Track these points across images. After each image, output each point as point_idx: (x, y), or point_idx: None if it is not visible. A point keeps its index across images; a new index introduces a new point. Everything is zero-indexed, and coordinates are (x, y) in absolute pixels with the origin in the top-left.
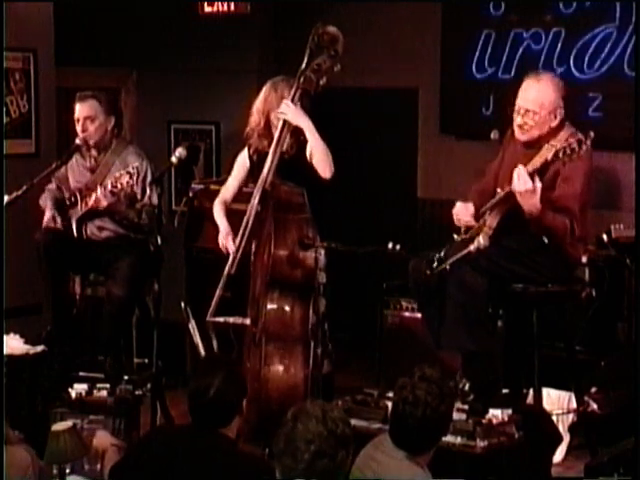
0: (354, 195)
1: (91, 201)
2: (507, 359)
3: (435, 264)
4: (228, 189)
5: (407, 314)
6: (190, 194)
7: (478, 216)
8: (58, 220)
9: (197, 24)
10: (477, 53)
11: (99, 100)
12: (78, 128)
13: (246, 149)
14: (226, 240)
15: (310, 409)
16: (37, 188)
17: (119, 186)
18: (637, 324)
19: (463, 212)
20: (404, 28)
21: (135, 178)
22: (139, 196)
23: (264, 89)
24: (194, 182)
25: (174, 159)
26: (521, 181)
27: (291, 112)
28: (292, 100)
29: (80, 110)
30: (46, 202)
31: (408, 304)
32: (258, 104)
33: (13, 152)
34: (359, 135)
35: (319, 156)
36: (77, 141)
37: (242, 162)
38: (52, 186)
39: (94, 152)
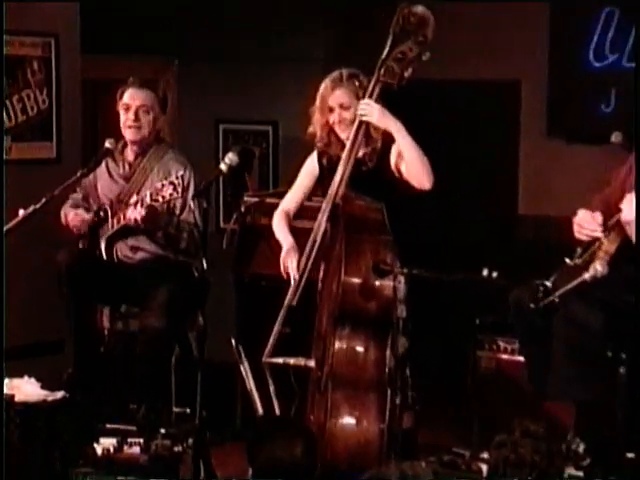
0: (441, 212)
1: (124, 216)
2: (631, 414)
3: (541, 295)
4: (291, 200)
5: (505, 357)
6: (242, 209)
7: (607, 228)
8: (86, 216)
9: (250, 4)
10: (595, 37)
11: (155, 91)
12: (127, 117)
13: (315, 152)
14: (289, 259)
15: (387, 473)
16: (59, 200)
17: (160, 199)
18: None
19: (588, 221)
20: (502, 7)
21: (180, 189)
22: (180, 211)
23: (324, 83)
24: (247, 194)
25: (223, 166)
26: (630, 210)
27: (375, 113)
28: (370, 96)
29: (134, 96)
30: (68, 208)
31: (507, 344)
32: (318, 102)
33: (30, 157)
34: (447, 138)
35: (415, 164)
36: (107, 144)
37: (310, 168)
38: (77, 195)
39: (129, 156)
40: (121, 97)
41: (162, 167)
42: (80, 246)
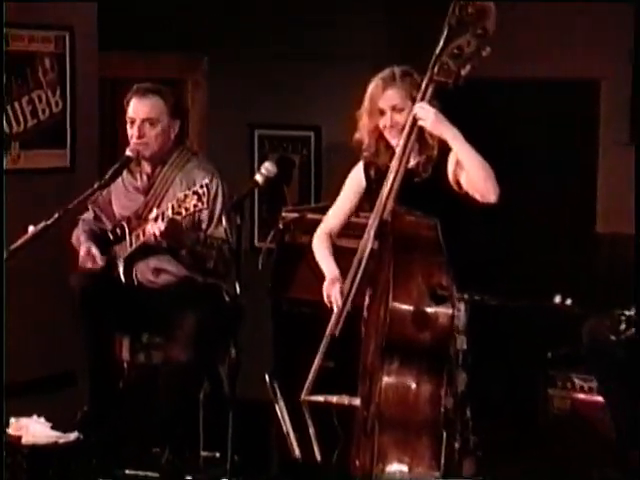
0: (505, 229)
1: (144, 233)
2: None
3: (623, 326)
4: (335, 217)
5: (581, 396)
6: (280, 225)
7: None
8: (98, 257)
9: None
10: None
11: (163, 97)
12: (132, 132)
13: (362, 162)
14: (333, 289)
15: None
16: (73, 215)
17: (183, 212)
18: None
19: None
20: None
21: (205, 200)
22: (207, 225)
23: (373, 82)
24: (285, 209)
25: (259, 178)
26: None
27: (430, 117)
28: (423, 98)
29: (137, 108)
30: (80, 237)
31: (583, 382)
32: (366, 104)
33: (40, 166)
34: (513, 145)
35: (477, 173)
36: (128, 152)
37: (356, 180)
38: (88, 215)
39: (147, 167)
40: (126, 108)
41: (185, 176)
42: (90, 265)
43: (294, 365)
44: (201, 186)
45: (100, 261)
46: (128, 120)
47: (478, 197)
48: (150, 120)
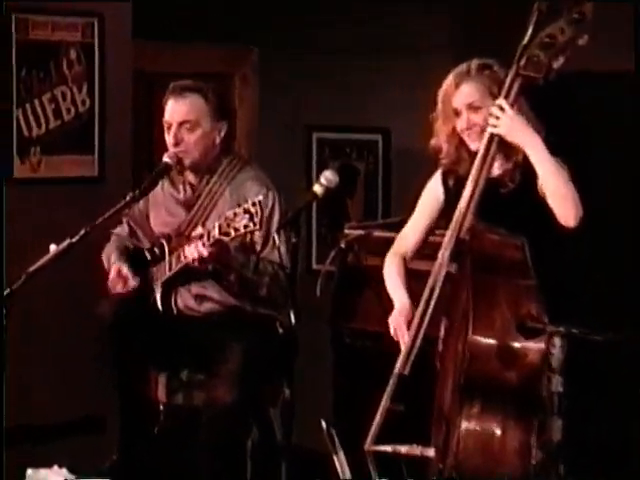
0: (604, 249)
1: (186, 254)
2: None
3: None
4: (410, 236)
5: None
6: (342, 245)
7: None
8: (130, 279)
9: None
10: None
11: (205, 95)
12: (169, 139)
13: (439, 172)
14: (401, 320)
15: None
16: (101, 232)
17: (232, 232)
18: None
19: None
20: None
21: (258, 220)
22: (260, 247)
23: (448, 79)
24: (348, 226)
25: (318, 189)
26: None
27: (505, 121)
28: (507, 96)
29: (173, 110)
30: (111, 255)
31: None
32: (440, 103)
33: (64, 175)
34: (611, 150)
35: (556, 192)
36: (166, 158)
37: (434, 192)
38: (122, 230)
39: (191, 177)
40: (161, 110)
41: (236, 190)
42: (122, 289)
43: (357, 408)
44: (253, 203)
45: (133, 284)
46: (165, 125)
47: (559, 217)
48: (188, 123)
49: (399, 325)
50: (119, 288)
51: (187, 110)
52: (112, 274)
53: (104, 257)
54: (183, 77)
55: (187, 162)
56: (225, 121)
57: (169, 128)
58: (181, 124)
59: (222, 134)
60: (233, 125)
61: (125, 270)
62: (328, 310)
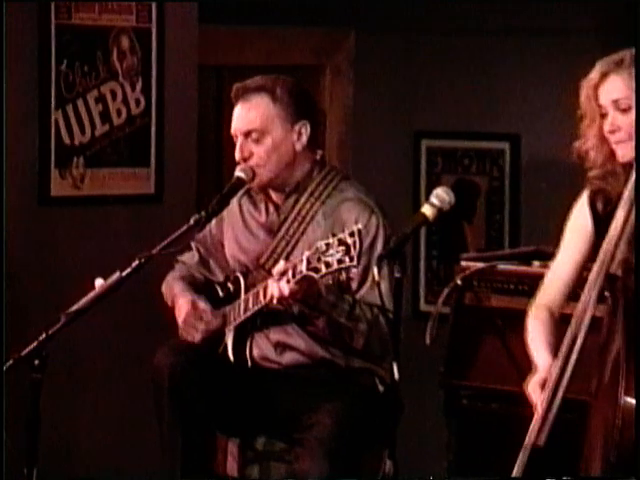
0: None
1: (265, 292)
2: None
3: None
4: (555, 281)
5: None
6: (458, 281)
7: None
8: (209, 313)
9: None
10: None
11: (271, 92)
12: (236, 154)
13: (585, 193)
14: (539, 387)
15: None
16: (160, 264)
17: (323, 269)
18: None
19: None
20: None
21: (356, 254)
22: (357, 285)
23: (594, 69)
24: (466, 257)
25: (428, 210)
26: None
27: None
28: None
29: (236, 119)
30: (173, 286)
31: None
32: (583, 99)
33: (113, 192)
34: None
35: None
36: (239, 172)
37: (581, 219)
38: (190, 257)
39: (275, 195)
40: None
41: (330, 212)
42: (199, 333)
43: None
44: (351, 233)
45: (215, 323)
46: (232, 135)
47: None
48: (254, 133)
49: (534, 390)
50: (197, 328)
51: (250, 117)
52: (184, 310)
53: (165, 290)
54: (260, 71)
55: (263, 179)
56: (306, 120)
57: (235, 138)
58: (246, 135)
59: (304, 138)
60: (322, 130)
61: (202, 304)
62: (440, 363)
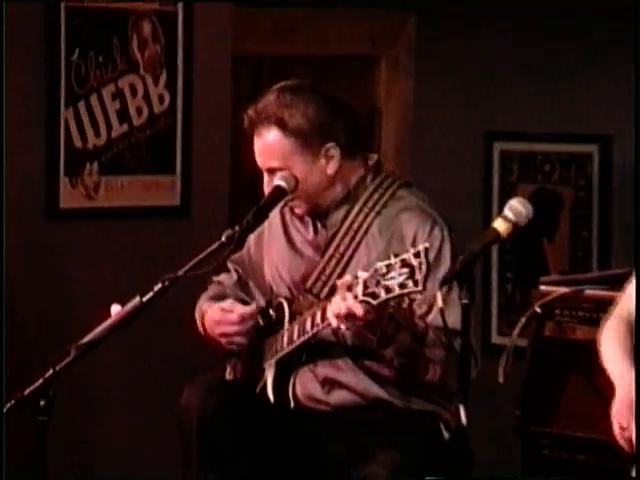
0: None
1: (313, 321)
2: None
3: None
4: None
5: None
6: (537, 308)
7: None
8: (238, 310)
9: None
10: None
11: (282, 126)
12: (265, 188)
13: None
14: (627, 416)
15: None
16: (184, 288)
17: (382, 294)
18: None
19: None
20: None
21: (421, 277)
22: (426, 310)
23: None
24: (546, 280)
25: (502, 225)
26: None
27: None
28: None
29: (257, 153)
30: (203, 306)
31: None
32: None
33: (134, 204)
34: None
35: None
36: (279, 181)
37: None
38: (227, 278)
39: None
40: None
41: (387, 224)
42: (227, 376)
43: None
44: (417, 254)
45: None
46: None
47: None
48: (276, 170)
49: (625, 417)
50: (238, 332)
51: (266, 154)
52: (215, 319)
53: (198, 313)
54: (303, 62)
55: (298, 212)
56: (330, 141)
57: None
58: (270, 172)
59: (335, 161)
60: (378, 130)
61: (239, 307)
62: (516, 406)
